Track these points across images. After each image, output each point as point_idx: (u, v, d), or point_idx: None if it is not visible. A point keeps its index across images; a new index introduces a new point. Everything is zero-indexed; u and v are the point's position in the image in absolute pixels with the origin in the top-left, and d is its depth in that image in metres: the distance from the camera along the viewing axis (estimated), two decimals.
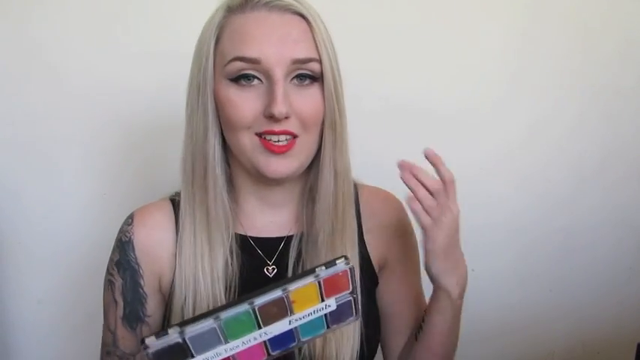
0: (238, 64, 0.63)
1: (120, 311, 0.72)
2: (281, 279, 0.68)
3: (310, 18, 0.65)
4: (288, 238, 0.73)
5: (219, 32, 0.65)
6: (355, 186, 0.78)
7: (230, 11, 0.65)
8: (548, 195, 1.29)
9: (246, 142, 0.65)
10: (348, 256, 0.56)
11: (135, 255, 0.71)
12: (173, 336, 0.47)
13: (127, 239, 0.72)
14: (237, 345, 0.51)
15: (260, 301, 0.50)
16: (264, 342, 0.52)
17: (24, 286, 1.11)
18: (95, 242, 1.10)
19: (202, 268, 0.67)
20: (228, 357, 0.51)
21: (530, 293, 1.31)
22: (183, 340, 0.48)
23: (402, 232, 0.80)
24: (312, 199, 0.71)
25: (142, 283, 0.71)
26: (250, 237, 0.73)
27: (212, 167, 0.67)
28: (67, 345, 1.15)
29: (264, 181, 0.69)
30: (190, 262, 0.68)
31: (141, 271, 0.71)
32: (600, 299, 1.35)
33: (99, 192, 1.11)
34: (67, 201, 1.10)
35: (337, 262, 0.52)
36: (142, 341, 0.47)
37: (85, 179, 1.10)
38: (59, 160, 1.09)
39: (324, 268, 0.52)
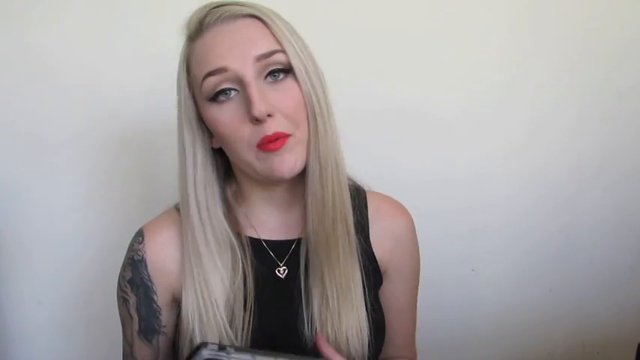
0: (210, 80, 0.64)
1: (135, 325, 0.73)
2: (294, 282, 0.72)
3: (263, 16, 0.65)
4: (299, 240, 0.74)
5: (187, 63, 0.68)
6: (364, 192, 0.79)
7: (190, 40, 0.67)
8: (548, 195, 1.29)
9: (250, 156, 0.65)
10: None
11: (148, 272, 0.72)
12: (224, 357, 0.53)
13: (140, 257, 0.72)
14: None
15: None
16: None
17: (24, 287, 1.11)
18: (95, 242, 1.11)
19: (203, 301, 0.69)
20: None
21: (530, 293, 1.31)
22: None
23: (405, 243, 0.80)
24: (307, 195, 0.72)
25: (155, 298, 0.72)
26: (263, 240, 0.73)
27: (192, 196, 0.69)
28: (68, 345, 1.15)
29: (268, 183, 0.70)
30: (190, 292, 0.69)
31: (154, 288, 0.72)
32: (600, 299, 1.34)
33: (98, 192, 1.11)
34: (67, 201, 1.10)
35: None
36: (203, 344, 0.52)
37: (85, 179, 1.10)
38: (59, 160, 1.09)
39: None
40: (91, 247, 1.11)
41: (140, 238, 0.73)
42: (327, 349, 0.64)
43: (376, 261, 0.77)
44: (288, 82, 0.65)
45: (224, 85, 0.64)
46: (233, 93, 0.64)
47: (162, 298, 0.72)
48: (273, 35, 0.65)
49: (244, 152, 0.65)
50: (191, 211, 0.69)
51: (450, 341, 1.27)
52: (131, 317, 0.73)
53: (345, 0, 1.12)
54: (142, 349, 0.73)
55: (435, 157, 1.22)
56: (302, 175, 0.69)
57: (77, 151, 1.09)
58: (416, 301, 0.84)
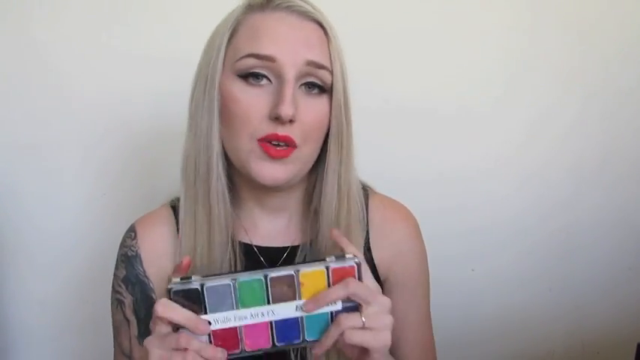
0: (251, 61, 0.61)
1: (134, 330, 0.70)
2: None
3: (328, 28, 0.64)
4: (293, 249, 0.71)
5: (236, 27, 0.64)
6: (367, 195, 0.76)
7: (250, 9, 0.64)
8: (548, 195, 1.29)
9: (244, 146, 0.63)
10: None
11: (143, 268, 0.70)
12: (194, 283, 0.52)
13: (134, 253, 0.70)
14: (245, 315, 0.54)
15: (273, 274, 0.53)
16: (271, 326, 0.55)
17: (25, 287, 1.12)
18: (96, 242, 1.11)
19: (200, 267, 0.66)
20: (236, 328, 0.54)
21: (530, 293, 1.31)
22: (202, 287, 0.52)
23: (407, 251, 0.76)
24: (314, 210, 0.70)
25: (153, 296, 0.70)
26: (255, 246, 0.71)
27: (215, 163, 0.65)
28: (68, 345, 1.15)
29: (261, 186, 0.66)
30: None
31: (151, 284, 0.70)
32: (600, 299, 1.35)
33: (99, 192, 1.11)
34: (68, 201, 1.10)
35: (347, 255, 0.55)
36: (168, 281, 0.52)
37: (86, 179, 1.10)
38: (60, 160, 1.09)
39: (333, 258, 0.55)
40: (92, 247, 1.11)
41: (132, 234, 0.71)
42: (342, 239, 0.60)
43: (375, 268, 0.74)
44: (321, 101, 0.64)
45: (262, 71, 0.62)
46: (264, 80, 0.62)
47: (159, 295, 0.70)
48: (329, 51, 0.64)
49: (242, 140, 0.63)
50: (211, 180, 0.65)
51: (449, 340, 1.26)
52: (128, 321, 0.70)
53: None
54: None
55: (434, 156, 1.22)
56: (300, 182, 0.68)
57: (79, 151, 1.09)
58: (427, 314, 0.79)
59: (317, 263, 0.55)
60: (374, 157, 1.14)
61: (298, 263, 0.55)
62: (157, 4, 1.06)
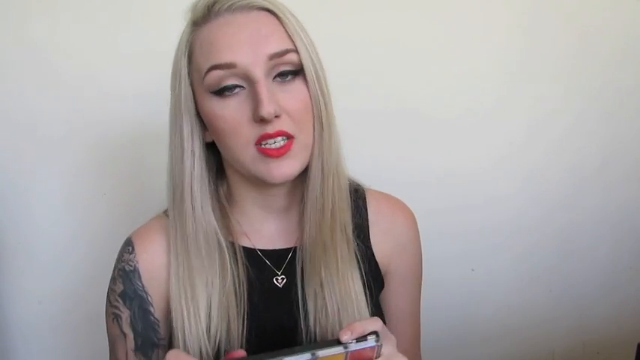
0: (215, 74, 0.61)
1: (131, 343, 0.69)
2: (292, 290, 0.69)
3: (276, 10, 0.63)
4: (296, 248, 0.71)
5: (190, 49, 0.64)
6: (364, 192, 0.76)
7: (195, 25, 0.64)
8: (548, 195, 1.29)
9: (245, 156, 0.63)
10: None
11: (142, 283, 0.69)
12: None
13: (132, 268, 0.69)
14: None
15: (288, 358, 0.51)
16: None
17: (25, 287, 1.11)
18: (96, 242, 1.11)
19: (186, 305, 0.66)
20: None
21: (530, 293, 1.31)
22: None
23: (406, 244, 0.77)
24: (302, 195, 0.69)
25: (151, 310, 0.69)
26: (259, 249, 0.70)
27: (188, 191, 0.65)
28: (68, 345, 1.15)
29: (264, 186, 0.66)
30: (175, 297, 0.66)
31: (149, 299, 0.69)
32: (600, 299, 1.35)
33: (99, 192, 1.11)
34: (68, 201, 1.10)
35: (368, 337, 0.54)
36: None
37: (86, 179, 1.10)
38: (60, 160, 1.09)
39: (355, 341, 0.53)
40: (92, 247, 1.11)
41: (130, 248, 0.70)
42: (354, 326, 0.57)
43: (377, 265, 0.74)
44: (297, 84, 0.63)
45: (230, 82, 0.61)
46: (238, 89, 0.61)
47: (158, 309, 0.69)
48: (287, 32, 0.62)
49: (240, 151, 0.62)
50: (185, 207, 0.65)
51: (449, 341, 1.27)
52: (124, 335, 0.69)
53: (345, 0, 1.12)
54: None
55: (434, 156, 1.22)
56: (299, 179, 0.67)
57: (79, 150, 1.09)
58: (418, 307, 0.80)
59: (337, 346, 0.53)
60: (375, 157, 1.14)
61: (315, 344, 0.53)
62: (157, 3, 1.06)
